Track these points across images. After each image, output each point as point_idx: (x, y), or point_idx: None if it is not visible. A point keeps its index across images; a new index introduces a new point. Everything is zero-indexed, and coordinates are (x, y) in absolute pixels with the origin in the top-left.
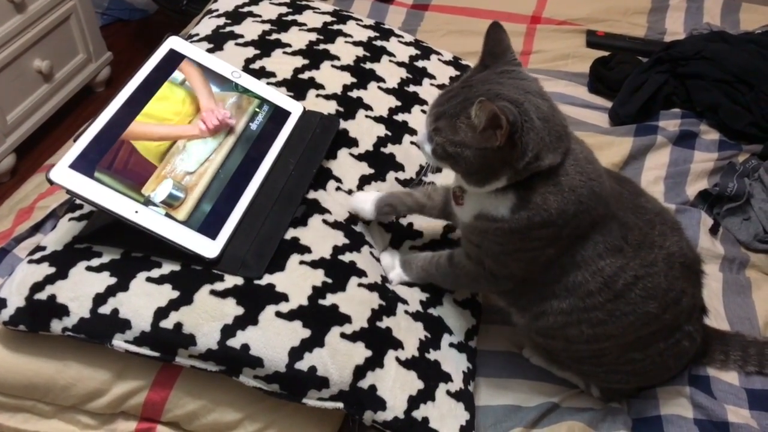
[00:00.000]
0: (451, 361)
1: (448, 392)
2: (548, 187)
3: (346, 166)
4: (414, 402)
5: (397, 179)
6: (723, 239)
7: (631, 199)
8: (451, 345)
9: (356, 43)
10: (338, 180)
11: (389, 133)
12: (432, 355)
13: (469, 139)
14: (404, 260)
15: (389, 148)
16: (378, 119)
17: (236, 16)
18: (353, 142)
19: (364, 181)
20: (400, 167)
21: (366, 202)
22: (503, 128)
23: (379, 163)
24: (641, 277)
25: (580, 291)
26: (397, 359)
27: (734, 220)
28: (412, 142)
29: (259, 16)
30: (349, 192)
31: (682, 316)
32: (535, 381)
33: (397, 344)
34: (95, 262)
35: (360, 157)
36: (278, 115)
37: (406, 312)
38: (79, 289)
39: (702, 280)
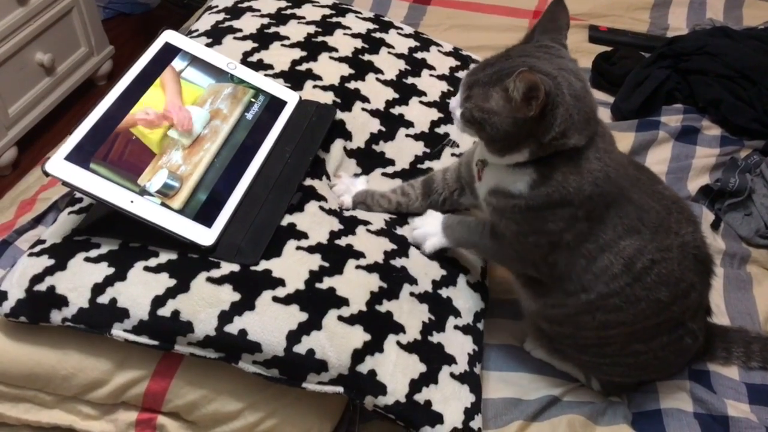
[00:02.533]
0: (456, 343)
1: (452, 374)
2: (569, 166)
3: (338, 160)
4: (416, 385)
5: (384, 174)
6: (724, 234)
7: (649, 185)
8: (456, 327)
9: (355, 35)
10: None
11: (383, 129)
12: (435, 337)
13: (501, 108)
14: (446, 224)
15: (381, 146)
16: (374, 113)
17: (235, 11)
18: (348, 136)
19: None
20: (389, 163)
21: (345, 195)
22: (539, 99)
23: (368, 162)
24: (657, 262)
25: (606, 275)
26: (398, 343)
27: (736, 215)
28: (407, 135)
29: (258, 10)
30: None
31: (688, 311)
32: (536, 374)
33: (399, 328)
34: (93, 253)
35: (350, 153)
36: (274, 105)
37: (412, 294)
38: (78, 280)
39: (711, 280)
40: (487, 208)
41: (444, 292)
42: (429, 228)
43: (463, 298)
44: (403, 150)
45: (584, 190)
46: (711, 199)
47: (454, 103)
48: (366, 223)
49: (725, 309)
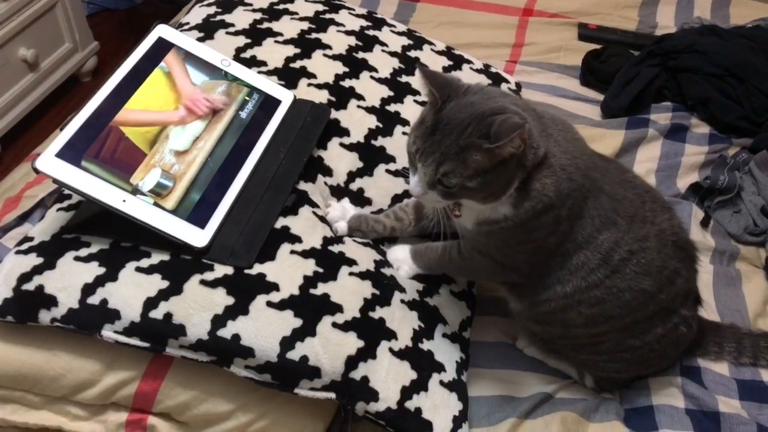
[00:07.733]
0: (445, 351)
1: (441, 382)
2: (543, 172)
3: (336, 156)
4: (407, 392)
5: (387, 171)
6: (714, 232)
7: (618, 174)
8: (445, 335)
9: (348, 33)
10: (328, 173)
11: (380, 125)
12: (425, 345)
13: (486, 163)
14: (415, 252)
15: (380, 141)
16: (370, 110)
17: (227, 4)
18: (344, 132)
19: (351, 177)
20: (390, 159)
21: (341, 221)
22: (524, 135)
23: (369, 155)
24: (635, 252)
25: (583, 270)
26: (391, 350)
27: (725, 212)
28: (404, 133)
29: (251, 4)
30: (337, 186)
31: (677, 298)
32: (528, 372)
33: (391, 335)
34: (83, 252)
35: (351, 147)
36: (268, 104)
37: (402, 301)
38: (68, 280)
39: (696, 266)
40: (471, 234)
41: (430, 301)
42: (400, 255)
43: (449, 307)
44: (402, 147)
45: (563, 190)
46: (700, 197)
47: (420, 188)
48: None
49: (715, 306)
